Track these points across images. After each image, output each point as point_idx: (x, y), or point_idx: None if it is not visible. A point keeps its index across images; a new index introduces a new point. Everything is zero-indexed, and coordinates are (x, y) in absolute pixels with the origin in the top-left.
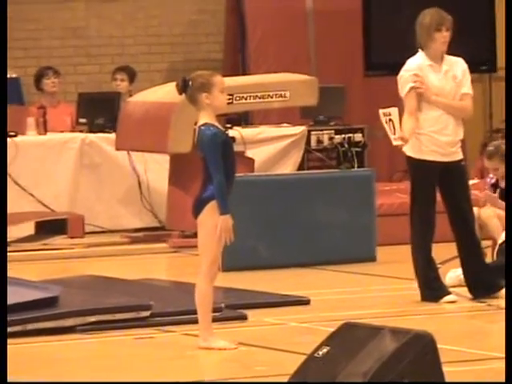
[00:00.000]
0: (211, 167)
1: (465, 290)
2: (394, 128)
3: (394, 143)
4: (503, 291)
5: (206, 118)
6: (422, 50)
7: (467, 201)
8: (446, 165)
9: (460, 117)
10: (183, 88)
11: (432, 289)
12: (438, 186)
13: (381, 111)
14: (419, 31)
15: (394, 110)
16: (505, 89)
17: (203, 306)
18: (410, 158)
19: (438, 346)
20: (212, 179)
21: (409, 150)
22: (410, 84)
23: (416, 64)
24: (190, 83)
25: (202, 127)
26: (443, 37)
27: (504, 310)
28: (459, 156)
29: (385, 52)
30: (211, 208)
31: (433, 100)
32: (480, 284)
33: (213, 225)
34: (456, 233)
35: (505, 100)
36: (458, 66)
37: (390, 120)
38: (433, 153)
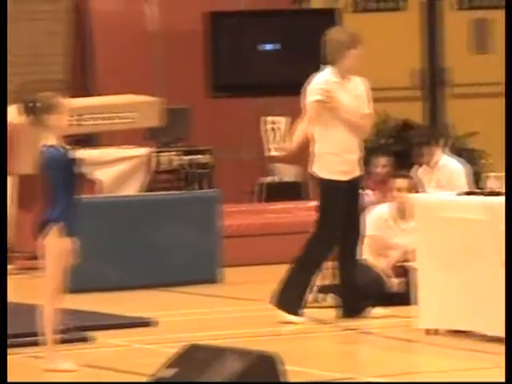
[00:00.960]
0: (54, 188)
1: (312, 311)
2: (277, 137)
3: (274, 153)
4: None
5: (50, 139)
6: (331, 65)
7: (359, 219)
8: (350, 182)
9: (360, 136)
10: (27, 110)
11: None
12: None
13: (264, 118)
14: (329, 47)
15: (282, 120)
16: (505, 89)
17: (49, 328)
18: (321, 179)
19: (284, 367)
20: (55, 201)
21: (319, 171)
22: (318, 97)
23: (324, 79)
24: (35, 105)
25: (46, 148)
26: (358, 54)
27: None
28: (360, 171)
29: (230, 74)
30: (55, 230)
31: (343, 117)
32: (349, 305)
33: (57, 247)
34: (341, 250)
35: (505, 101)
36: (361, 84)
37: (276, 129)
38: (343, 173)
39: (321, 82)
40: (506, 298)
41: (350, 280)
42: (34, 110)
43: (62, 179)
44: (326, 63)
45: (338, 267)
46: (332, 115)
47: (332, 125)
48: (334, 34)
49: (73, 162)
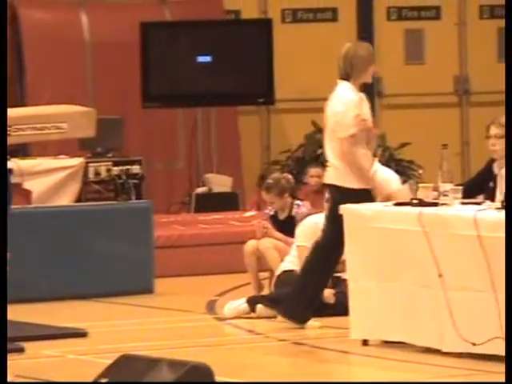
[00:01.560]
0: None
1: (242, 322)
2: None
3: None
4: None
5: None
6: (349, 80)
7: None
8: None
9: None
10: None
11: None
12: None
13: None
14: (352, 62)
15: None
16: (505, 91)
17: None
18: (346, 189)
19: (216, 377)
20: None
21: (344, 182)
22: (354, 130)
23: (353, 102)
24: None
25: None
26: (374, 70)
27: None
28: None
29: (162, 83)
30: None
31: (373, 135)
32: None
33: None
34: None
35: (505, 102)
36: (366, 99)
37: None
38: (364, 183)
39: (351, 106)
40: (506, 298)
41: (303, 288)
42: None
43: None
44: (343, 78)
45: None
46: (362, 134)
47: (361, 142)
48: (357, 50)
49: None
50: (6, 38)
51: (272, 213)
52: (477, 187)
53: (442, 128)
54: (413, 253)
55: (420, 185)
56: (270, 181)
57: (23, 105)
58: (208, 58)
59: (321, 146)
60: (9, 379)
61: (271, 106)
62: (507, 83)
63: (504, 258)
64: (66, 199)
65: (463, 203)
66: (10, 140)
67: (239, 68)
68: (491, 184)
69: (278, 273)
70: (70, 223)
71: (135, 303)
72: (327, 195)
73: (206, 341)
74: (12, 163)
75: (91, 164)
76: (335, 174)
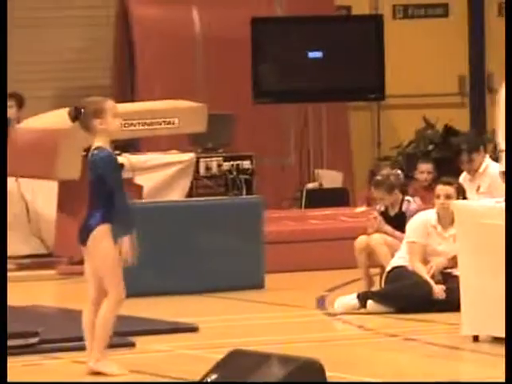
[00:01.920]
0: (113, 186)
1: (352, 318)
2: None
3: None
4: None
5: (100, 142)
6: None
7: None
8: None
9: None
10: (75, 115)
11: None
12: None
13: None
14: None
15: None
16: (505, 90)
17: (105, 330)
18: None
19: (327, 373)
20: (99, 205)
21: None
22: None
23: None
24: (83, 110)
25: (96, 151)
26: None
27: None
28: None
29: (273, 79)
30: (101, 233)
31: None
32: None
33: (107, 248)
34: None
35: (505, 102)
36: None
37: None
38: None
39: None
40: (506, 297)
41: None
42: (83, 116)
43: (119, 177)
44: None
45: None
46: None
47: None
48: None
49: (121, 165)
50: (5, 37)
51: (382, 209)
52: None
53: None
54: None
55: None
56: (379, 177)
57: (134, 100)
58: (319, 54)
59: (431, 142)
60: (122, 373)
61: (382, 101)
62: (507, 85)
63: None
64: (176, 194)
65: None
66: (122, 135)
67: (350, 64)
68: None
69: (388, 269)
70: (180, 218)
71: (246, 298)
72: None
73: (316, 336)
74: (123, 158)
75: (202, 159)
76: None
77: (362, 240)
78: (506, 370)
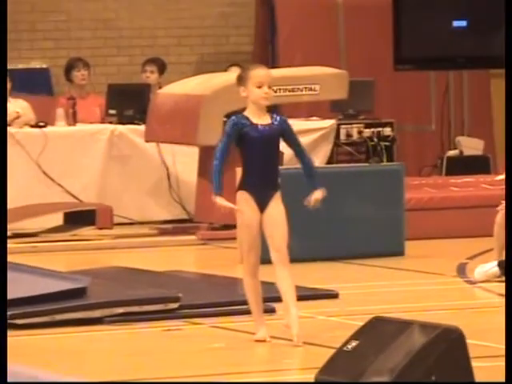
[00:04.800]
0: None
1: (493, 286)
2: None
3: None
4: None
5: (247, 110)
6: None
7: None
8: None
9: None
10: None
11: None
12: None
13: None
14: None
15: None
16: (505, 89)
17: (247, 297)
18: None
19: (467, 340)
20: (242, 169)
21: None
22: None
23: None
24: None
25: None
26: None
27: None
28: None
29: (414, 46)
30: (237, 197)
31: None
32: None
33: (237, 215)
34: None
35: (505, 101)
36: None
37: None
38: None
39: None
40: (506, 297)
41: None
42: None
43: (221, 144)
44: None
45: None
46: None
47: None
48: None
49: (250, 131)
50: (6, 37)
51: None
52: None
53: None
54: None
55: None
56: None
57: (275, 66)
58: (463, 23)
59: None
60: (260, 338)
61: None
62: (507, 84)
63: None
64: (317, 161)
65: None
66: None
67: (493, 31)
68: None
69: None
70: (321, 185)
71: (386, 265)
72: None
73: (456, 304)
74: None
75: (343, 126)
76: None
77: (502, 217)
78: (506, 370)
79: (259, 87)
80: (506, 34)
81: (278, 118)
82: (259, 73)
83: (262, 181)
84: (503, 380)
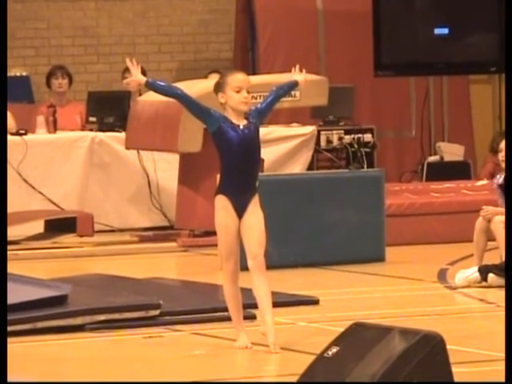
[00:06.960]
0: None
1: (473, 291)
2: None
3: None
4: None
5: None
6: None
7: None
8: None
9: None
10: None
11: None
12: None
13: None
14: None
15: None
16: (505, 88)
17: (227, 304)
18: None
19: (448, 346)
20: (221, 173)
21: None
22: None
23: None
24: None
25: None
26: None
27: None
28: None
29: (394, 53)
30: (215, 202)
31: None
32: None
33: (216, 221)
34: None
35: (505, 100)
36: None
37: None
38: None
39: None
40: (506, 297)
41: None
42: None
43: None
44: None
45: None
46: None
47: None
48: None
49: (228, 132)
50: (6, 37)
51: (500, 181)
52: None
53: None
54: None
55: None
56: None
57: (255, 73)
58: (444, 30)
59: None
60: (241, 346)
61: (503, 74)
62: (507, 84)
63: None
64: (297, 167)
65: None
66: (243, 108)
67: (471, 36)
68: None
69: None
70: (301, 191)
71: (367, 271)
72: None
73: (437, 309)
74: None
75: (323, 132)
76: None
77: (482, 223)
78: (506, 370)
79: (238, 92)
80: (506, 34)
81: (252, 112)
82: (238, 77)
83: (241, 184)
84: None
